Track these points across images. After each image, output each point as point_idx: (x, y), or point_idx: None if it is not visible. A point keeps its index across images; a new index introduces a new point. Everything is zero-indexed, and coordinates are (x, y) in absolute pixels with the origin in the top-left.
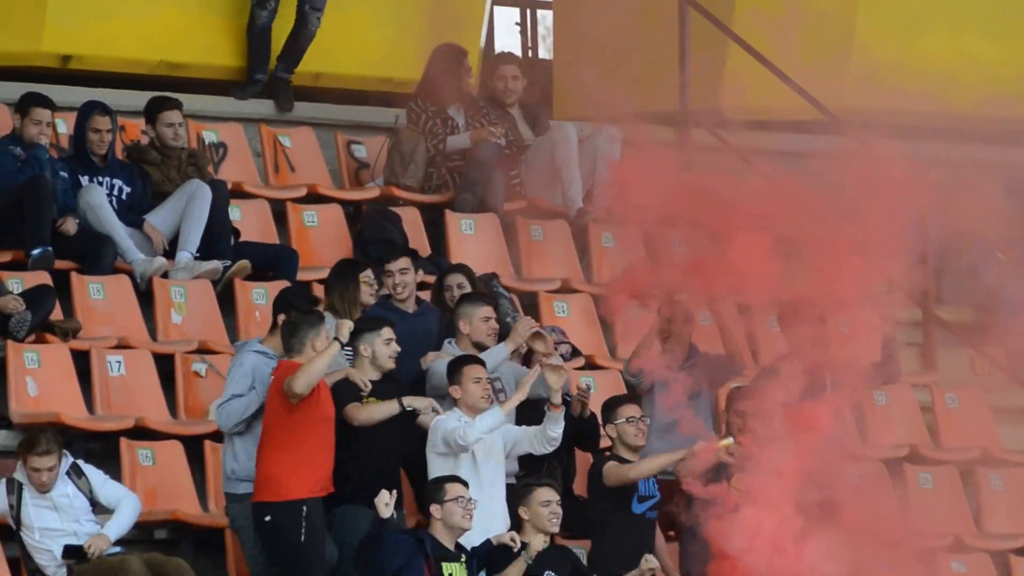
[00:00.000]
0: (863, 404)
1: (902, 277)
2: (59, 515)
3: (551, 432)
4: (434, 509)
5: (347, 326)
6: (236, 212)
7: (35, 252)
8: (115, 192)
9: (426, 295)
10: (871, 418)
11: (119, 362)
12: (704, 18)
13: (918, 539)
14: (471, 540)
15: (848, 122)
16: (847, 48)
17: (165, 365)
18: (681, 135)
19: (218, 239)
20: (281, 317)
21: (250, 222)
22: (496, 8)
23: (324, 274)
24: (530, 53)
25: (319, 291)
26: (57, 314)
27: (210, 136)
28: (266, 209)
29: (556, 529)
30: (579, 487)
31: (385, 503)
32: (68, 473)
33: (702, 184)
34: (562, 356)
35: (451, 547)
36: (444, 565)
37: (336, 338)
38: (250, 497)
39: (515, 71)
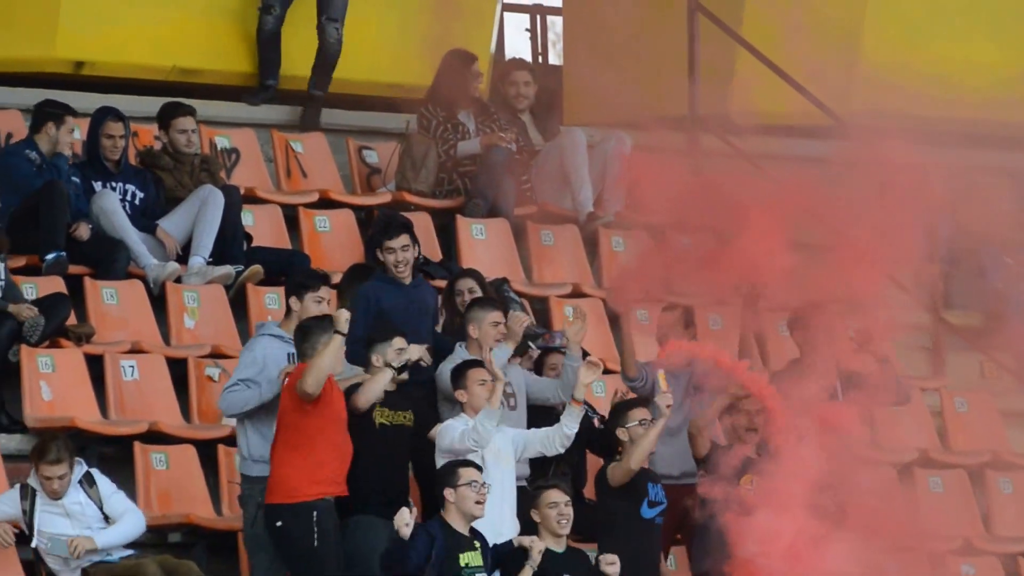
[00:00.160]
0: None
1: (911, 281)
2: (71, 522)
3: (567, 429)
4: (448, 493)
5: (344, 315)
6: (248, 217)
7: (49, 257)
8: (128, 197)
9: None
10: (881, 422)
11: (132, 367)
12: (713, 23)
13: (928, 542)
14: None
15: (856, 126)
16: (855, 53)
17: (178, 369)
18: (690, 140)
19: (230, 244)
20: (292, 300)
21: (262, 227)
22: (506, 14)
23: (336, 279)
24: (540, 59)
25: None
26: (71, 319)
27: (222, 142)
28: (278, 214)
29: (565, 532)
30: (588, 491)
31: (406, 523)
32: (80, 482)
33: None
34: (541, 345)
35: (465, 533)
36: (460, 556)
37: (337, 330)
38: (263, 480)
39: (527, 77)
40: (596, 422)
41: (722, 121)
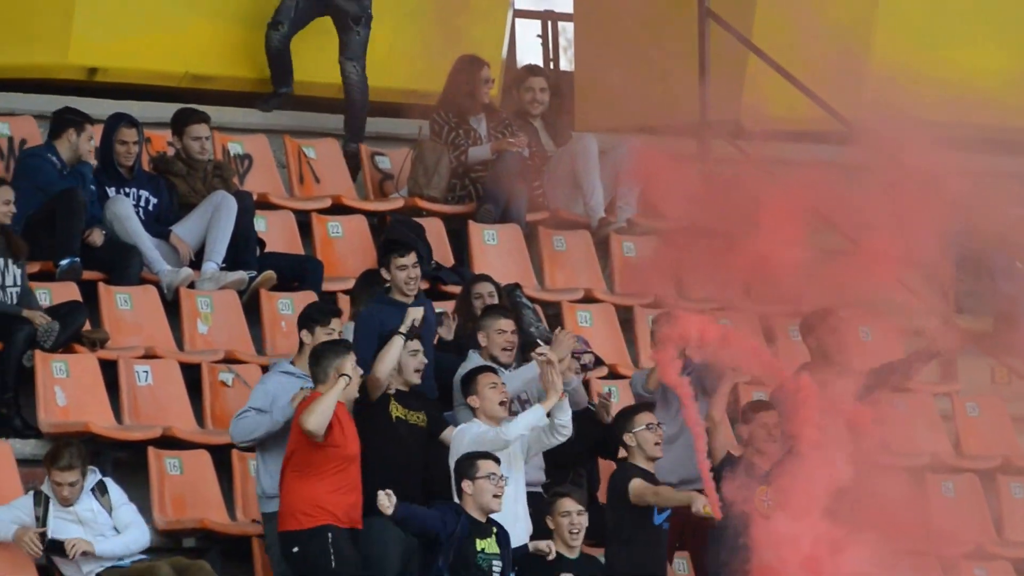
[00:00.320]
0: (886, 414)
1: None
2: (84, 528)
3: (559, 420)
4: (466, 485)
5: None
6: (261, 223)
7: (63, 263)
8: (142, 203)
9: (448, 305)
10: (893, 427)
11: (146, 372)
12: (724, 30)
13: (940, 546)
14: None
15: (866, 131)
16: (865, 59)
17: (192, 375)
18: (701, 146)
19: (244, 250)
20: (304, 334)
21: (275, 233)
22: (518, 20)
23: (349, 284)
24: (551, 64)
25: (344, 301)
26: (85, 324)
27: (235, 148)
28: (291, 220)
29: (576, 542)
30: (602, 495)
31: (386, 505)
32: (93, 490)
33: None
34: (584, 366)
35: (482, 521)
36: (477, 540)
37: (344, 373)
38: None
39: (543, 83)
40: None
41: (733, 126)
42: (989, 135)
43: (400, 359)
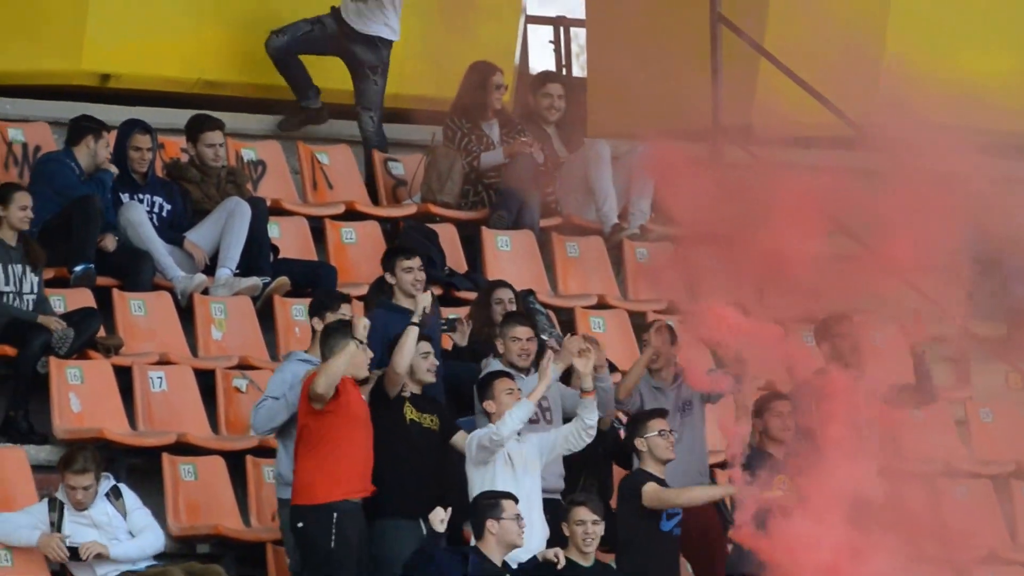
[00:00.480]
0: (899, 419)
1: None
2: (99, 533)
3: (587, 420)
4: (491, 524)
5: (363, 323)
6: (275, 229)
7: (78, 269)
8: (155, 210)
9: (463, 311)
10: (907, 432)
11: (160, 378)
12: (736, 35)
13: (953, 551)
14: (516, 556)
15: (879, 135)
16: (878, 62)
17: (206, 381)
18: (713, 151)
19: (257, 256)
20: (315, 321)
21: (289, 239)
22: (530, 26)
23: (363, 290)
24: (564, 70)
25: (357, 308)
26: (99, 331)
27: (249, 154)
28: (304, 226)
29: (589, 550)
30: (613, 502)
31: (440, 519)
32: (107, 495)
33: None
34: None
35: (498, 563)
36: None
37: (353, 336)
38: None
39: (561, 90)
40: (622, 434)
41: (745, 132)
42: (1001, 139)
43: (413, 362)
